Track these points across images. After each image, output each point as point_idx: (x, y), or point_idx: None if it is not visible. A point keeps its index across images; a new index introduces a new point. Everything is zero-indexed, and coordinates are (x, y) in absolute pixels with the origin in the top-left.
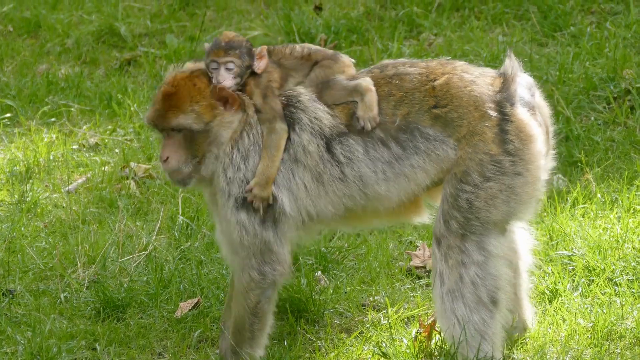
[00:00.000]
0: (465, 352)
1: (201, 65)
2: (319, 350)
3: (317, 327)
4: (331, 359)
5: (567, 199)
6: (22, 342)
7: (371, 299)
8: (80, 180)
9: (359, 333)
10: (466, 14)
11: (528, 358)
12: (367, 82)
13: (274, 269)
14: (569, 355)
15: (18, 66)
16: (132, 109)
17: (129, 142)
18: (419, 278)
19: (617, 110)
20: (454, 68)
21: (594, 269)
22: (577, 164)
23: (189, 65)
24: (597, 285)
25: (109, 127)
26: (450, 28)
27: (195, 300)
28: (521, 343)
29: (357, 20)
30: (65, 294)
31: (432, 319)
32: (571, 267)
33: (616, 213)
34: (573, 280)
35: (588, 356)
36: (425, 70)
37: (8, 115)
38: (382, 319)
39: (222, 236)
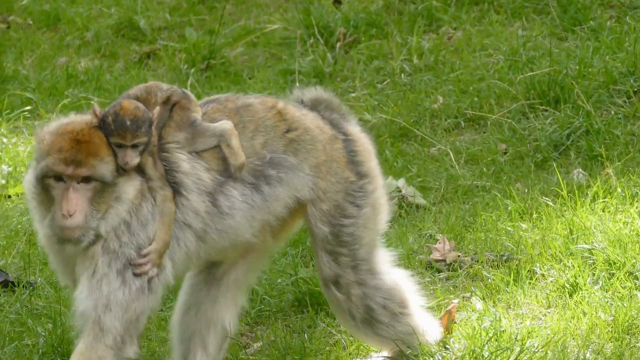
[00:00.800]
0: (417, 347)
1: (83, 119)
2: (339, 344)
3: (336, 321)
4: (351, 352)
5: (587, 193)
6: (43, 334)
7: None
8: None
9: None
10: (485, 8)
11: (549, 352)
12: (229, 124)
13: (133, 343)
14: (590, 349)
15: (38, 59)
16: None
17: None
18: (439, 271)
19: (637, 104)
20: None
21: (614, 263)
22: (598, 158)
23: (80, 118)
24: (617, 279)
25: None
26: (469, 22)
27: None
28: (541, 337)
29: (376, 14)
30: None
31: (452, 306)
32: (591, 261)
33: (636, 207)
34: (593, 274)
35: (609, 350)
36: (261, 99)
37: (28, 108)
38: None
39: (89, 294)
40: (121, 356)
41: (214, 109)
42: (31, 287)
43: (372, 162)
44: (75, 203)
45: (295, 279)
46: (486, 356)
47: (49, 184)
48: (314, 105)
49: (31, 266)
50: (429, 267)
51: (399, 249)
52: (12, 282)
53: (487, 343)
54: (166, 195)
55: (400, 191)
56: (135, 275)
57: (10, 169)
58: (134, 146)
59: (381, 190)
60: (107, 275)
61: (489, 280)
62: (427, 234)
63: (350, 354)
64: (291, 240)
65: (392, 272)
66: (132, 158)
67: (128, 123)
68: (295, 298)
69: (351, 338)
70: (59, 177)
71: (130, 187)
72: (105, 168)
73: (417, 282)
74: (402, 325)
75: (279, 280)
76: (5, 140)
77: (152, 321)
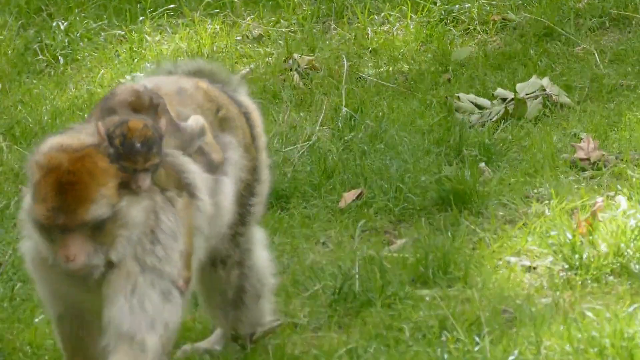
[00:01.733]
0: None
1: (81, 137)
2: (483, 242)
3: (480, 219)
4: (494, 249)
5: None
6: None
7: (535, 190)
8: (243, 72)
9: (523, 224)
10: None
11: None
12: (202, 120)
13: None
14: None
15: None
16: (295, 0)
17: (292, 34)
18: (583, 170)
19: None
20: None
21: None
22: None
23: (67, 141)
24: None
25: (273, 18)
26: None
27: (359, 191)
28: None
29: None
30: None
31: (597, 206)
32: None
33: None
34: None
35: None
36: (182, 80)
37: (172, 6)
38: (546, 210)
39: (131, 314)
40: None
41: (168, 102)
42: None
43: (263, 134)
44: (74, 247)
45: (439, 177)
46: (631, 254)
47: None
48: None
49: None
50: (573, 165)
51: (543, 149)
52: None
53: (632, 242)
54: (185, 202)
55: (544, 90)
56: (174, 291)
57: (153, 67)
58: (147, 171)
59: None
60: (148, 294)
61: (634, 179)
62: (572, 133)
63: (493, 252)
64: (435, 138)
65: (263, 254)
66: (145, 181)
67: (138, 146)
68: (439, 196)
69: (494, 236)
70: None
71: (137, 211)
72: (99, 209)
73: (562, 181)
74: (259, 310)
75: (423, 179)
76: (148, 38)
77: None
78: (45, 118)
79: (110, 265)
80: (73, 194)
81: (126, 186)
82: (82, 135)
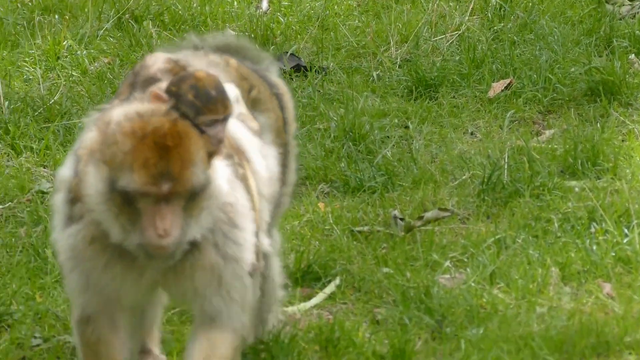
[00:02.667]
0: None
1: (146, 105)
2: (632, 133)
3: (630, 110)
4: None
5: None
6: (335, 118)
7: None
8: None
9: None
10: None
11: None
12: (234, 87)
13: None
14: None
15: None
16: None
17: None
18: None
19: None
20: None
21: None
22: None
23: (140, 108)
24: None
25: None
26: None
27: (508, 80)
28: None
29: None
30: (377, 72)
31: None
32: None
33: None
34: None
35: None
36: (210, 55)
37: None
38: None
39: (227, 306)
40: None
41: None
42: (323, 72)
43: (294, 120)
44: (171, 219)
45: (589, 68)
46: None
47: (133, 196)
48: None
49: (324, 51)
50: None
51: None
52: (305, 67)
53: None
54: (246, 170)
55: None
56: (249, 275)
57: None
58: (224, 119)
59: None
60: (233, 285)
61: None
62: None
63: None
64: (584, 29)
65: (277, 263)
66: (223, 133)
67: (214, 93)
68: (588, 87)
69: None
70: None
71: (222, 181)
72: (202, 172)
73: None
74: (264, 320)
75: (572, 69)
76: None
77: None
78: (195, 5)
79: (193, 244)
80: (179, 155)
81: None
82: (142, 103)
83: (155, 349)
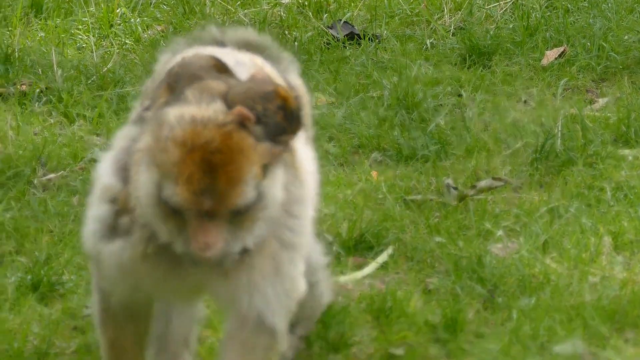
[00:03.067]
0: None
1: (205, 108)
2: None
3: None
4: None
5: None
6: (388, 86)
7: None
8: None
9: None
10: None
11: None
12: None
13: None
14: None
15: None
16: None
17: None
18: None
19: None
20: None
21: None
22: None
23: (198, 113)
24: None
25: None
26: None
27: (562, 48)
28: None
29: None
30: (431, 40)
31: None
32: None
33: None
34: None
35: None
36: (230, 52)
37: None
38: None
39: (276, 300)
40: None
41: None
42: (377, 40)
43: (311, 123)
44: (215, 234)
45: None
46: None
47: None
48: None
49: (377, 19)
50: None
51: None
52: (358, 35)
53: None
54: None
55: None
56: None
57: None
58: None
59: None
60: (289, 275)
61: None
62: None
63: None
64: None
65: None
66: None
67: (300, 115)
68: None
69: None
70: None
71: (276, 190)
72: (249, 193)
73: None
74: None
75: (626, 37)
76: None
77: None
78: None
79: (245, 251)
80: (225, 175)
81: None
82: (201, 105)
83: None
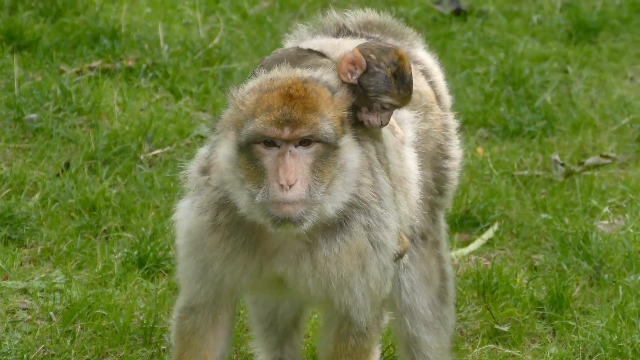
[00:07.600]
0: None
1: (312, 72)
2: None
3: None
4: None
5: None
6: (495, 62)
7: None
8: None
9: None
10: None
11: None
12: None
13: None
14: None
15: None
16: None
17: None
18: None
19: None
20: None
21: None
22: None
23: (285, 73)
24: None
25: None
26: None
27: None
28: None
29: None
30: (537, 16)
31: None
32: None
33: None
34: None
35: None
36: (338, 44)
37: None
38: None
39: (365, 298)
40: None
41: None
42: (483, 16)
43: (446, 93)
44: (295, 171)
45: None
46: None
47: (258, 151)
48: (366, 31)
49: None
50: None
51: None
52: (465, 11)
53: None
54: (389, 162)
55: None
56: (391, 265)
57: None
58: (399, 107)
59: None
60: (374, 275)
61: None
62: None
63: None
64: None
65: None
66: (388, 120)
67: (410, 78)
68: None
69: None
70: (270, 142)
71: (354, 155)
72: (328, 126)
73: None
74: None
75: None
76: None
77: None
78: None
79: (320, 216)
80: (303, 103)
81: (346, 124)
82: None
83: None
